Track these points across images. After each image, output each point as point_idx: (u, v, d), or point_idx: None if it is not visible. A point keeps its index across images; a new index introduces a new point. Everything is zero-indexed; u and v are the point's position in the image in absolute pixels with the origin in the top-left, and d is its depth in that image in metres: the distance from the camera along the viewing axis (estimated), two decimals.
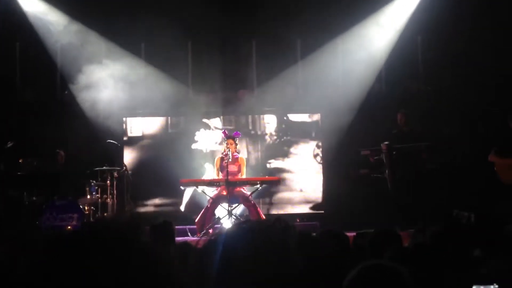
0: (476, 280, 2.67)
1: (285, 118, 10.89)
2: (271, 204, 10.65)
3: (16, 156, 9.08)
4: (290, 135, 10.87)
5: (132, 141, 10.66)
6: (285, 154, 10.86)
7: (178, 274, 1.04)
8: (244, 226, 1.31)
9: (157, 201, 10.53)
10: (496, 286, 2.59)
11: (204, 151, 10.63)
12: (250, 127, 10.85)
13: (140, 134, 10.74)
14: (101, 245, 0.99)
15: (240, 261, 1.24)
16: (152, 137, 10.71)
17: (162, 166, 10.16)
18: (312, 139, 10.89)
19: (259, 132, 10.86)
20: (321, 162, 10.77)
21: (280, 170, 10.72)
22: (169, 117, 10.80)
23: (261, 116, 10.89)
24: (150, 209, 10.46)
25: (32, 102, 10.43)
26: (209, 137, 10.69)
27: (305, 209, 10.65)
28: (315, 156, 10.84)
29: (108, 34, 10.37)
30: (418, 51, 10.65)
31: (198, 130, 10.71)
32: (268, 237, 1.27)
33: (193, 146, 10.65)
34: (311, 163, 10.80)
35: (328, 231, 3.93)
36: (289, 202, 10.71)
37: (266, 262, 1.23)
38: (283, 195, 10.70)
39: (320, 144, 10.81)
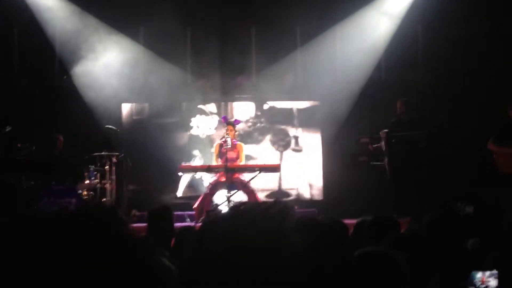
0: (475, 267, 2.67)
1: (266, 105, 10.87)
2: (269, 190, 10.66)
3: (14, 141, 9.05)
4: (267, 122, 10.86)
5: (130, 126, 10.64)
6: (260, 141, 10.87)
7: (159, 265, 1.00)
8: (242, 208, 1.29)
9: (155, 186, 10.52)
10: (496, 272, 2.58)
11: (201, 136, 10.63)
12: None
13: (139, 118, 10.73)
14: (77, 234, 0.94)
15: (237, 245, 1.22)
16: (150, 122, 10.67)
17: (159, 152, 10.14)
18: (294, 126, 10.89)
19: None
20: (298, 148, 10.78)
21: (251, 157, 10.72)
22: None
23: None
24: (148, 194, 10.45)
25: (30, 87, 10.38)
26: (206, 123, 10.68)
27: (304, 195, 10.68)
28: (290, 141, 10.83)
29: (107, 18, 10.31)
30: (418, 40, 10.61)
31: (194, 116, 10.71)
32: (266, 220, 1.25)
33: (191, 132, 10.64)
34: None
35: (327, 218, 3.93)
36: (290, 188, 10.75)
37: (264, 245, 1.21)
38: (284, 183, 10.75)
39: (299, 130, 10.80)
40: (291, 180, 10.77)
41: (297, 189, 10.76)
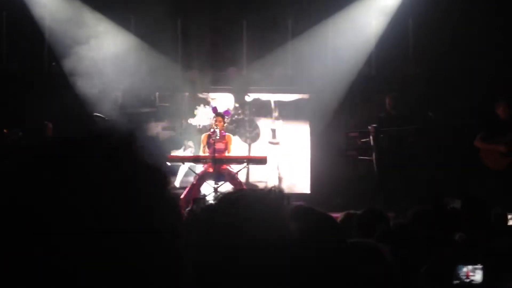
0: (460, 260, 2.68)
1: (247, 96, 10.83)
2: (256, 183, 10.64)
3: (1, 127, 8.98)
4: (245, 115, 10.83)
5: (119, 115, 10.56)
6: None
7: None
8: (239, 193, 1.28)
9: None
10: (480, 266, 2.60)
11: (198, 126, 10.57)
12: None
13: (128, 107, 10.66)
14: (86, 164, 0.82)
15: (234, 232, 1.22)
16: (139, 111, 10.60)
17: (151, 142, 10.09)
18: (273, 118, 10.85)
19: None
20: (274, 141, 10.75)
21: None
22: (156, 93, 10.72)
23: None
24: None
25: (19, 73, 10.29)
26: (205, 113, 10.58)
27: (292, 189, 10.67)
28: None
29: (97, 6, 10.23)
30: (409, 34, 10.62)
31: (196, 107, 10.61)
32: (264, 204, 1.25)
33: (189, 121, 10.56)
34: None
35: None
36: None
37: (262, 229, 1.21)
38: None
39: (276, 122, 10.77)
40: (261, 173, 10.56)
41: (266, 182, 10.63)
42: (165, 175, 0.87)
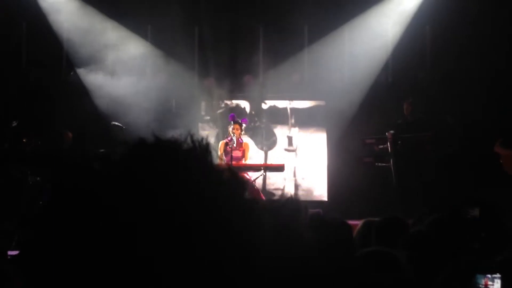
0: (479, 270, 2.66)
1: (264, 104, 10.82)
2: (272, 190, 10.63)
3: (21, 136, 9.07)
4: (262, 122, 10.82)
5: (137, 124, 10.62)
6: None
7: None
8: (256, 204, 1.29)
9: None
10: (499, 275, 2.58)
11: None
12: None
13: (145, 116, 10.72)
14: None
15: (249, 241, 1.22)
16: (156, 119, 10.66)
17: None
18: (290, 126, 10.83)
19: None
20: (291, 149, 10.71)
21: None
22: (173, 100, 10.77)
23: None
24: None
25: (38, 82, 10.40)
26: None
27: (308, 196, 10.64)
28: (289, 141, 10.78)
29: (114, 15, 10.33)
30: (426, 41, 10.57)
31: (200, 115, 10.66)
32: (281, 216, 1.25)
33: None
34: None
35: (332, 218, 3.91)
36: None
37: (277, 243, 1.21)
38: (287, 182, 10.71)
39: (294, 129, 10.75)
40: (278, 180, 10.63)
41: (282, 189, 10.65)
42: (242, 180, 0.89)
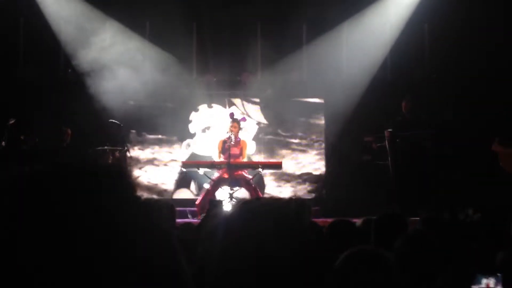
0: (479, 270, 2.65)
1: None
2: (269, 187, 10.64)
3: (18, 134, 9.04)
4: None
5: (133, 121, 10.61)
6: None
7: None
8: (258, 202, 1.27)
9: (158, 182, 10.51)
10: (500, 276, 2.57)
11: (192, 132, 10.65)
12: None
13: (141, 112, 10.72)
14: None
15: (252, 241, 1.21)
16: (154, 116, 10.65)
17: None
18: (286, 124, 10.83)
19: None
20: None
21: None
22: (171, 96, 10.75)
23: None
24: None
25: (35, 79, 10.36)
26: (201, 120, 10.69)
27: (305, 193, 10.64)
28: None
29: (112, 11, 10.29)
30: (424, 39, 10.56)
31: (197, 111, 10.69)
32: (284, 214, 1.24)
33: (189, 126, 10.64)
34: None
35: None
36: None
37: (279, 242, 1.20)
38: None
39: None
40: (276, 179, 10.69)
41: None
42: (150, 209, 0.88)
